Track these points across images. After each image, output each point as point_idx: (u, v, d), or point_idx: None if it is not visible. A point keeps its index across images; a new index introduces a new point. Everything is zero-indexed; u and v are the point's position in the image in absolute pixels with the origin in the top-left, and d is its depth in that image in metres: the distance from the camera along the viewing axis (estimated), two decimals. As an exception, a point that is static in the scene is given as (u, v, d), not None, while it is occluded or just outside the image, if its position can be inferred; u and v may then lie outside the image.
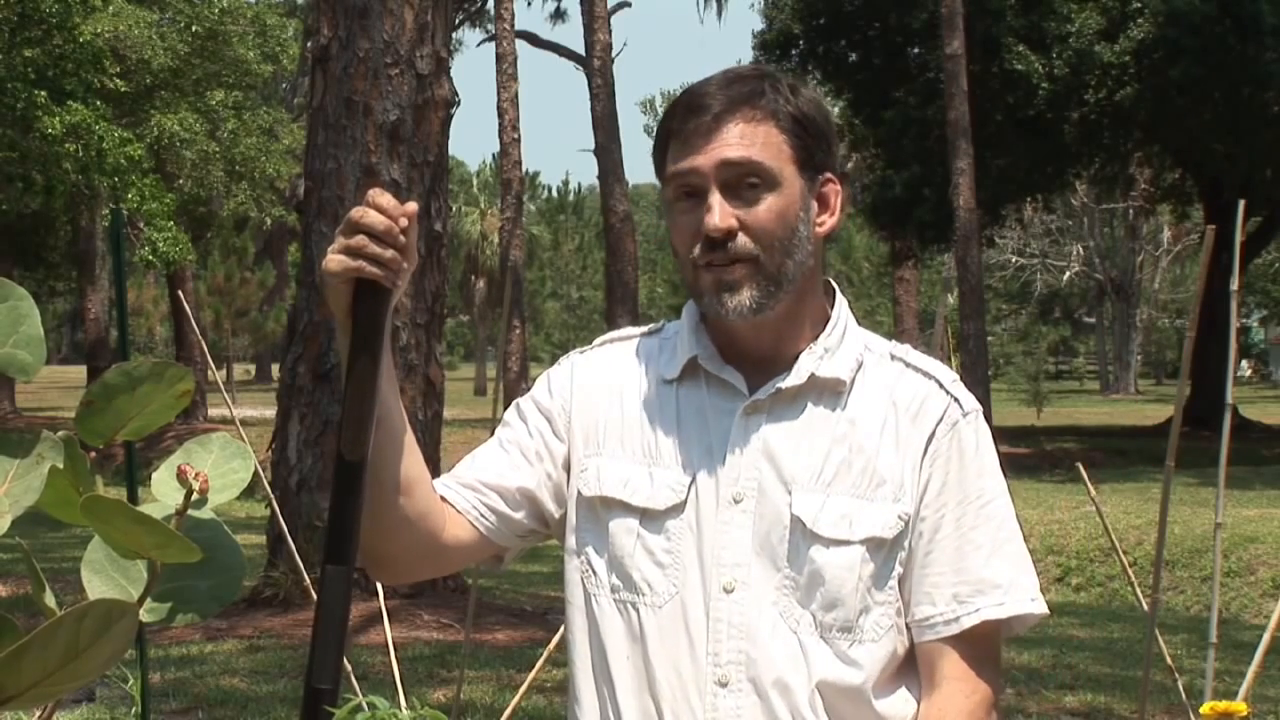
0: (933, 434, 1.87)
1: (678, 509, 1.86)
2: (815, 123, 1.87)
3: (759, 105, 1.83)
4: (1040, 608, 1.88)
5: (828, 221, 1.89)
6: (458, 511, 1.92)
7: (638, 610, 1.86)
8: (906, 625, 1.88)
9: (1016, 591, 1.86)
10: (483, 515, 1.93)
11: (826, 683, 1.82)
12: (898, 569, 1.86)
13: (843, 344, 1.90)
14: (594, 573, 1.90)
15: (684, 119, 1.84)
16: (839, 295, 1.94)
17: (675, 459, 1.88)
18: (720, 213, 1.80)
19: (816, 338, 1.89)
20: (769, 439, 1.86)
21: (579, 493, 1.91)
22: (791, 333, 1.88)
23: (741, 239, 1.81)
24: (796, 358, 1.88)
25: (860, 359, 1.90)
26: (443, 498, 1.92)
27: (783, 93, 1.85)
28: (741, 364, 1.89)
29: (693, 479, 1.87)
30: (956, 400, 1.90)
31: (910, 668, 1.88)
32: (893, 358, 1.92)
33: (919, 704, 1.88)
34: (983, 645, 1.87)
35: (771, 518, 1.84)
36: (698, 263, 1.83)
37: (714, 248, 1.81)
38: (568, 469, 1.94)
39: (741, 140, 1.81)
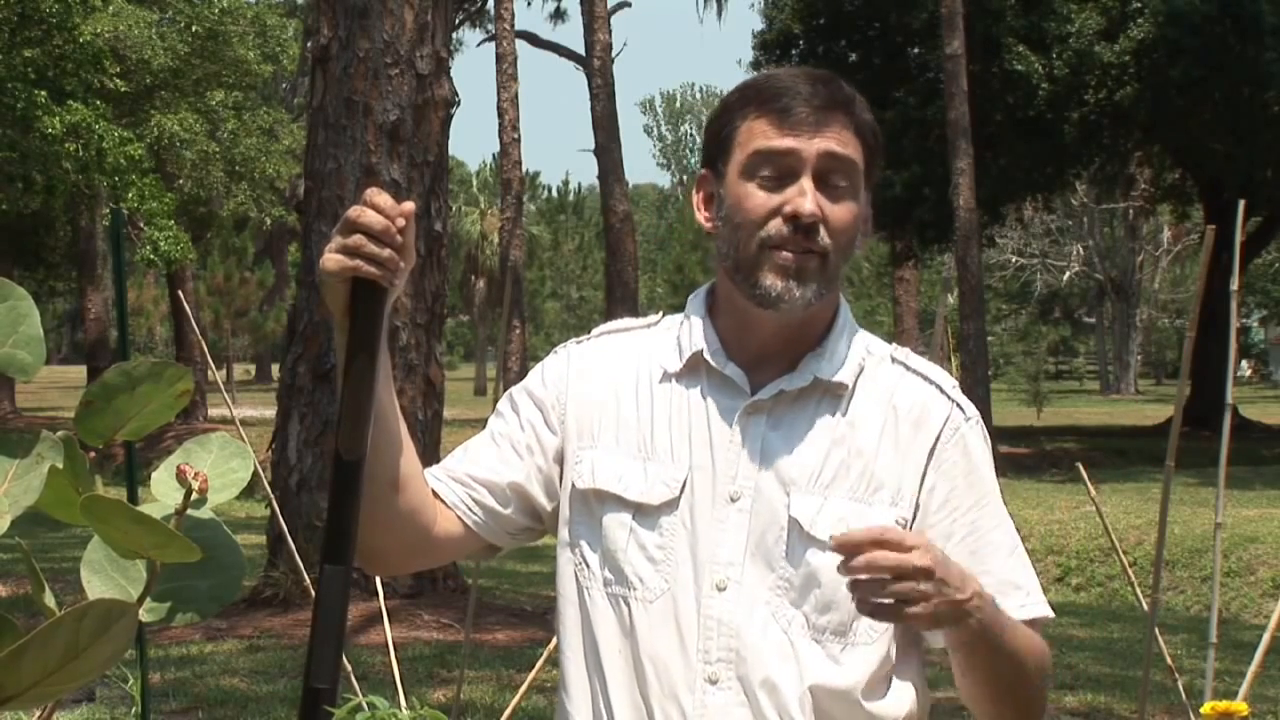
0: (937, 440, 1.87)
1: (672, 505, 1.86)
2: (880, 140, 1.91)
3: (854, 113, 1.85)
4: (1050, 611, 1.91)
5: (861, 242, 1.90)
6: (447, 506, 1.92)
7: (629, 605, 1.86)
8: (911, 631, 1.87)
9: (1035, 594, 1.88)
10: (471, 510, 1.92)
11: (818, 685, 1.82)
12: None
13: (845, 347, 1.90)
14: (586, 566, 1.89)
15: (787, 99, 1.82)
16: (842, 299, 1.94)
17: (670, 454, 1.87)
18: (813, 199, 1.80)
19: (820, 340, 1.89)
20: (769, 440, 1.86)
21: (573, 485, 1.91)
22: (803, 333, 1.88)
23: (823, 232, 1.81)
24: (800, 358, 1.88)
25: (862, 362, 1.90)
26: (433, 491, 1.92)
27: (863, 103, 1.89)
28: (745, 361, 1.88)
29: (688, 475, 1.86)
30: (959, 406, 1.90)
31: (903, 666, 1.88)
32: (893, 360, 1.92)
33: (912, 702, 1.87)
34: None
35: (768, 518, 1.84)
36: (771, 241, 1.81)
37: (800, 231, 1.80)
38: (560, 462, 1.93)
39: (840, 139, 1.82)
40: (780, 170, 1.81)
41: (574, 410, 1.93)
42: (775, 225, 1.81)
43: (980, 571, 1.84)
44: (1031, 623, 1.87)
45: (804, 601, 1.82)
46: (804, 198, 1.80)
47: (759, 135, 1.83)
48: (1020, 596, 1.86)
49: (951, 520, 1.86)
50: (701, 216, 1.92)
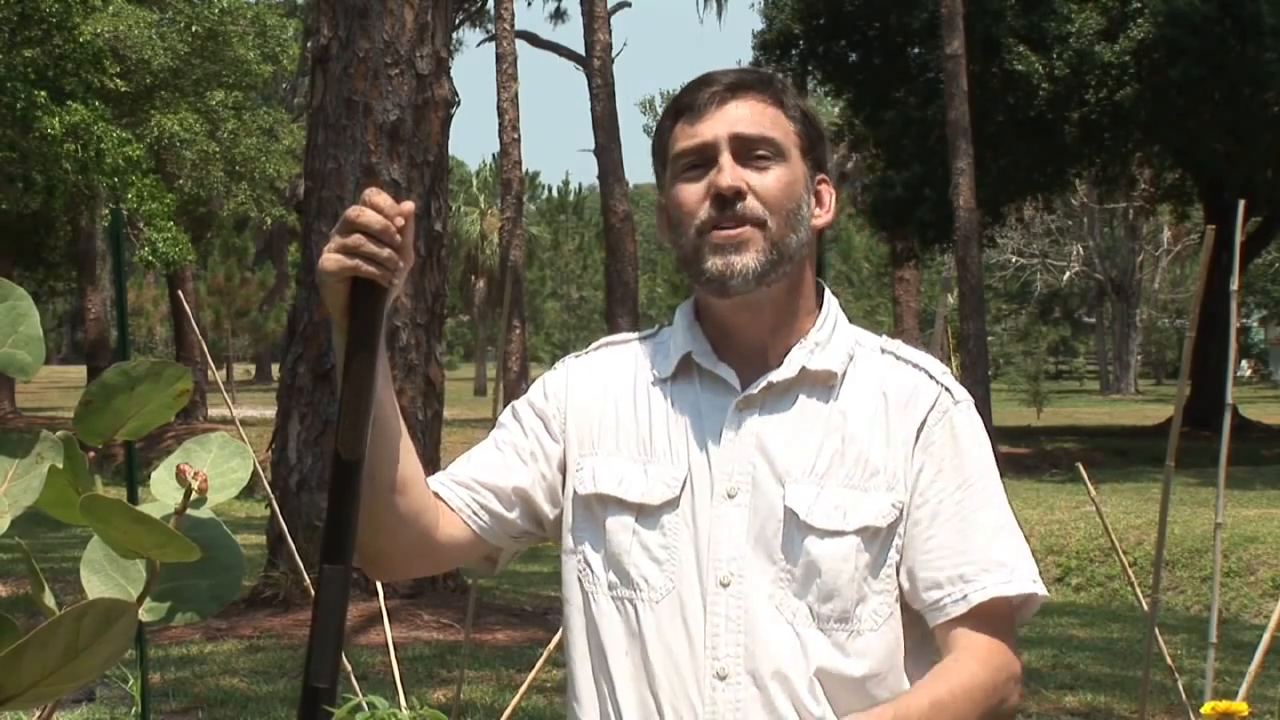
0: (924, 422, 1.89)
1: (673, 504, 1.88)
2: (817, 123, 1.95)
3: (769, 91, 1.91)
4: (1042, 590, 1.89)
5: (823, 216, 1.94)
6: (451, 510, 1.93)
7: (635, 606, 1.87)
8: (910, 608, 1.88)
9: (1020, 572, 1.87)
10: (476, 514, 1.93)
11: (825, 671, 1.83)
12: (894, 556, 1.87)
13: (833, 338, 1.92)
14: (591, 570, 1.91)
15: (695, 92, 1.90)
16: (828, 293, 1.97)
17: (669, 455, 1.89)
18: (731, 173, 1.85)
19: (807, 333, 1.92)
20: (762, 433, 1.88)
21: (574, 491, 1.92)
22: (784, 324, 1.91)
23: (751, 201, 1.85)
24: (788, 352, 1.90)
25: (851, 352, 1.92)
26: (436, 495, 1.93)
27: (790, 90, 1.94)
28: (734, 360, 1.91)
29: (687, 474, 1.88)
30: (947, 390, 1.92)
31: (914, 655, 1.89)
32: (883, 351, 1.95)
33: None
34: (997, 623, 1.86)
35: (766, 511, 1.85)
36: (705, 225, 1.85)
37: (724, 206, 1.84)
38: (563, 470, 1.95)
39: (752, 116, 1.88)
40: (701, 161, 1.87)
41: (574, 420, 1.95)
42: (705, 210, 1.86)
43: (963, 549, 1.85)
44: (1022, 601, 1.86)
45: (806, 592, 1.84)
46: (721, 173, 1.85)
47: (678, 138, 1.90)
48: (1004, 573, 1.86)
49: (939, 500, 1.87)
50: (665, 239, 1.96)
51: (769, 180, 1.86)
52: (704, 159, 1.87)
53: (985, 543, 1.87)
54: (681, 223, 1.88)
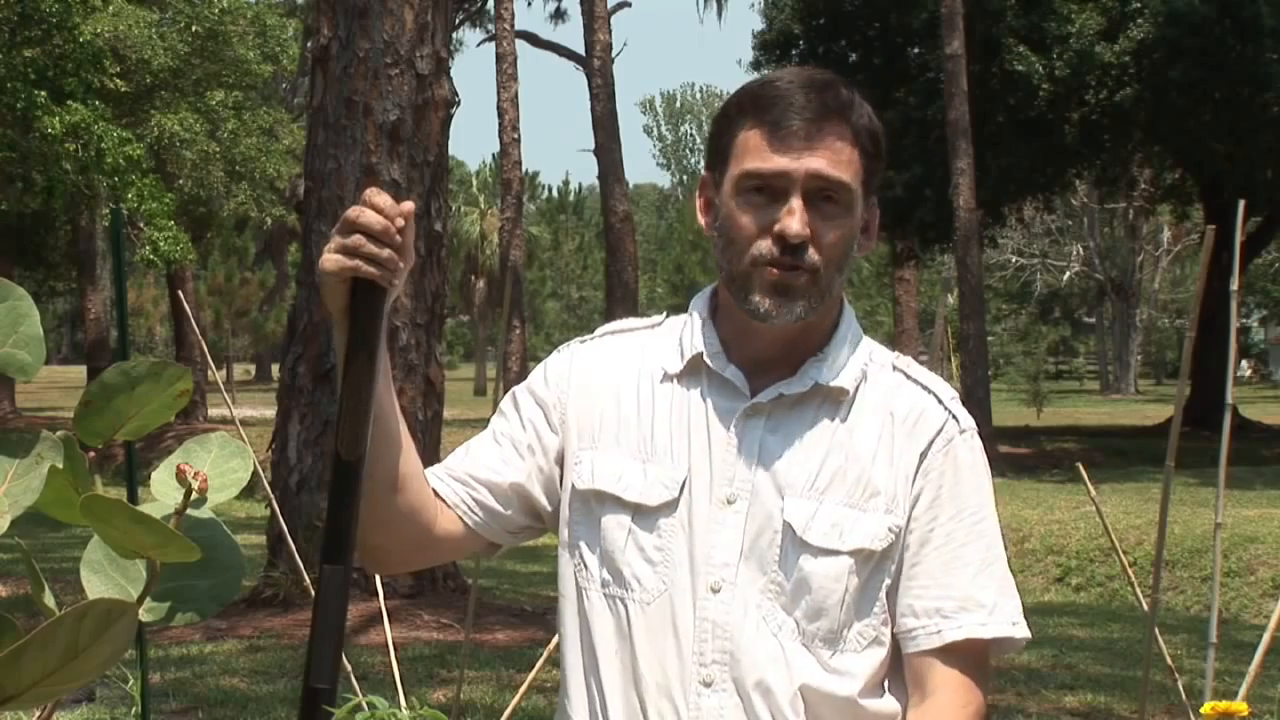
0: (928, 448, 1.86)
1: (670, 506, 1.86)
2: (881, 143, 1.89)
3: (849, 120, 1.84)
4: (1022, 632, 1.87)
5: (866, 246, 1.90)
6: (448, 505, 1.92)
7: (626, 606, 1.86)
8: (892, 634, 1.87)
9: (1000, 614, 1.86)
10: (472, 510, 1.93)
11: (809, 688, 1.82)
12: (886, 581, 1.85)
13: (847, 353, 1.90)
14: (585, 567, 1.89)
15: (779, 110, 1.81)
16: (846, 305, 1.94)
17: (670, 456, 1.87)
18: (801, 220, 1.80)
19: (823, 346, 1.89)
20: (767, 443, 1.85)
21: (573, 486, 1.91)
22: (804, 339, 1.88)
23: (811, 251, 1.81)
24: (802, 362, 1.88)
25: (864, 368, 1.90)
26: (434, 490, 1.92)
27: (863, 107, 1.87)
28: (745, 362, 1.88)
29: (687, 477, 1.86)
30: (954, 417, 1.89)
31: (896, 670, 1.88)
32: (894, 369, 1.92)
33: (903, 707, 1.87)
34: (971, 662, 1.85)
35: (762, 521, 1.83)
36: (761, 259, 1.81)
37: (787, 251, 1.80)
38: (560, 462, 1.93)
39: (832, 156, 1.81)
40: (770, 189, 1.81)
41: (575, 410, 1.93)
42: (764, 244, 1.81)
43: (945, 583, 1.84)
44: (994, 643, 1.86)
45: (795, 607, 1.82)
46: (792, 218, 1.80)
47: (751, 152, 1.82)
48: (982, 615, 1.84)
49: (929, 529, 1.85)
50: (702, 221, 1.93)
51: (831, 233, 1.81)
52: (774, 190, 1.81)
53: (968, 579, 1.85)
54: (734, 244, 1.83)
